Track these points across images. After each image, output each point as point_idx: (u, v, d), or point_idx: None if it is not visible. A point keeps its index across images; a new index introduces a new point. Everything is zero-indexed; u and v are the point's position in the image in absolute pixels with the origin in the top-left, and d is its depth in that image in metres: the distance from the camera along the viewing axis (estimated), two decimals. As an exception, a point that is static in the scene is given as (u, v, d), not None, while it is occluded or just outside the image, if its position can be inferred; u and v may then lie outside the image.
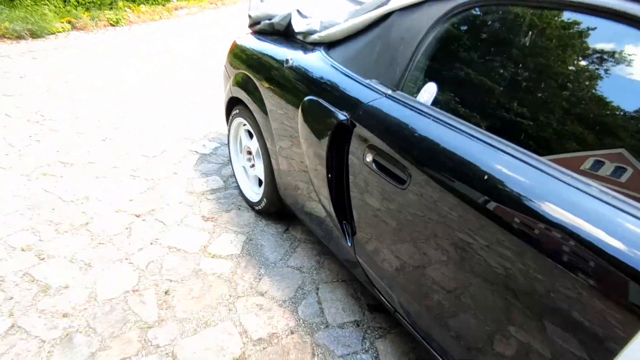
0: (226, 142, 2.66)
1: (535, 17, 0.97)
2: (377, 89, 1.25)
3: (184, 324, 1.51)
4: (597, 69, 0.87)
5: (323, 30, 1.67)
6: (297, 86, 1.53)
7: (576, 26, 0.91)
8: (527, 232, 0.79)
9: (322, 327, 1.55)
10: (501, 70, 1.01)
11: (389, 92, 1.21)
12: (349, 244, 1.39)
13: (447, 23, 1.14)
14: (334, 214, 1.40)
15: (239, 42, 2.06)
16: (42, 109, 3.26)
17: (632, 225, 0.68)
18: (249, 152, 2.11)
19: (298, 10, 1.83)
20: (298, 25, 1.77)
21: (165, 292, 1.64)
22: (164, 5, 7.75)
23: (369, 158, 1.18)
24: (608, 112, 0.84)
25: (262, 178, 1.97)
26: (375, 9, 1.40)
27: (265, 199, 1.98)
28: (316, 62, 1.54)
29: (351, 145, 1.25)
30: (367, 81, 1.30)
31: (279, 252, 1.90)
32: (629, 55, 0.81)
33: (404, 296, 1.20)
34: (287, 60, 1.62)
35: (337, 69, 1.44)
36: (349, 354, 1.45)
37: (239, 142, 2.22)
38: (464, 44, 1.13)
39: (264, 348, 1.45)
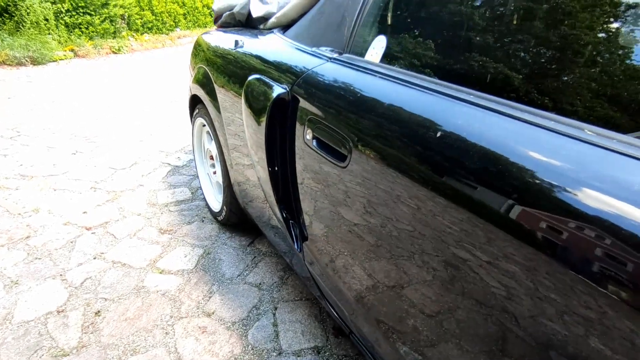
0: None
1: None
2: (321, 54, 1.03)
3: (107, 351, 1.25)
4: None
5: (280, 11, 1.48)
6: (244, 69, 1.32)
7: None
8: (528, 225, 0.51)
9: (274, 354, 1.26)
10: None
11: (335, 55, 0.99)
12: (298, 249, 1.13)
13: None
14: (279, 215, 1.15)
15: (200, 37, 1.89)
16: (19, 126, 3.15)
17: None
18: (212, 157, 1.89)
19: (258, -4, 1.67)
20: (256, 10, 1.60)
21: (96, 313, 1.39)
22: (167, 34, 7.90)
23: (309, 135, 0.95)
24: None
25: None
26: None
27: (225, 208, 1.75)
28: (266, 42, 1.35)
29: (295, 126, 1.02)
30: (312, 49, 1.09)
31: (237, 267, 1.64)
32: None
33: (361, 316, 0.93)
34: (236, 43, 1.43)
35: (285, 44, 1.24)
36: (303, 390, 1.16)
37: (203, 147, 2.02)
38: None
39: (198, 381, 1.17)
